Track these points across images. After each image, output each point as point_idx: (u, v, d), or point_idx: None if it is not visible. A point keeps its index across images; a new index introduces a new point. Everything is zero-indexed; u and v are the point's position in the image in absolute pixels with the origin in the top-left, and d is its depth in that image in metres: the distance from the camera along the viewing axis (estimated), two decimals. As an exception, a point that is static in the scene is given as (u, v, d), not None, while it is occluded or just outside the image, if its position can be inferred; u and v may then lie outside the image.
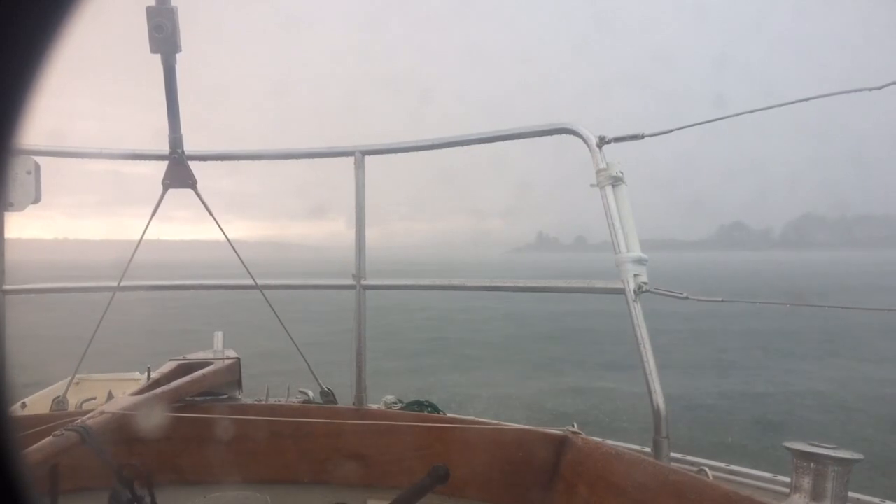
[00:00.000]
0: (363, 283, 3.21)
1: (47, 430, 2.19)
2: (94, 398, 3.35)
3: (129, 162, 3.42)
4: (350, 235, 3.24)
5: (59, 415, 2.96)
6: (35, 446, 2.07)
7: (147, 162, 3.23)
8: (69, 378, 3.48)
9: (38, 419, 2.71)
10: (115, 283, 3.29)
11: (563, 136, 2.71)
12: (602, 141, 2.61)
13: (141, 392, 2.85)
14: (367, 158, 3.20)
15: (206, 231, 3.36)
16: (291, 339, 3.44)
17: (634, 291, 2.48)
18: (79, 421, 2.30)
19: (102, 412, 2.45)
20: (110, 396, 3.26)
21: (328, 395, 3.30)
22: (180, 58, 2.91)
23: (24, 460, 1.77)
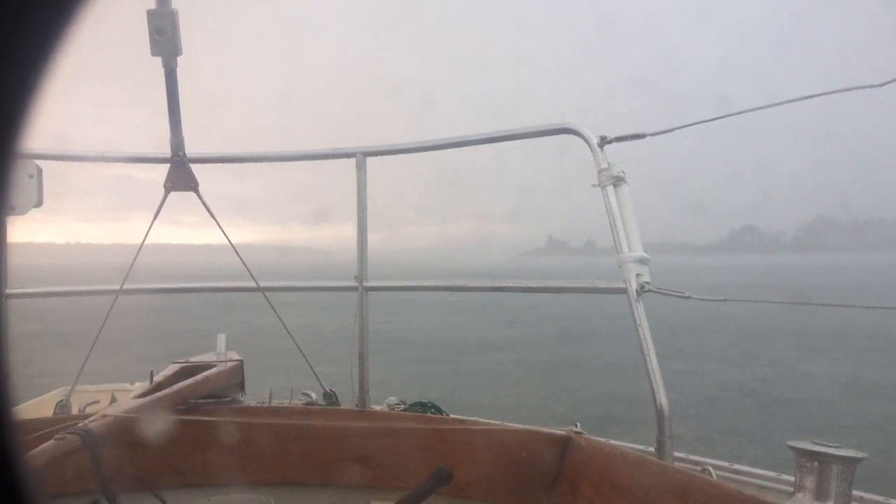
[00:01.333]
0: (365, 284, 3.21)
1: (51, 434, 2.19)
2: (98, 401, 3.35)
3: (140, 167, 3.42)
4: (371, 238, 3.24)
5: (62, 418, 2.96)
6: (37, 449, 2.07)
7: (158, 167, 3.23)
8: (73, 382, 3.48)
9: (41, 423, 2.71)
10: (117, 287, 3.30)
11: (567, 137, 2.71)
12: (603, 141, 2.60)
13: (144, 395, 2.85)
14: (373, 162, 3.20)
15: (215, 235, 3.38)
16: (294, 340, 3.45)
17: (636, 291, 2.47)
18: (81, 424, 2.31)
19: (105, 415, 2.45)
20: (113, 400, 3.27)
21: (331, 397, 3.30)
22: (181, 61, 2.91)
23: (27, 464, 1.78)
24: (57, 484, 2.20)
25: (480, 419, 3.05)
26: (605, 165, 2.58)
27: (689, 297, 2.49)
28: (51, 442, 2.13)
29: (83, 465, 2.22)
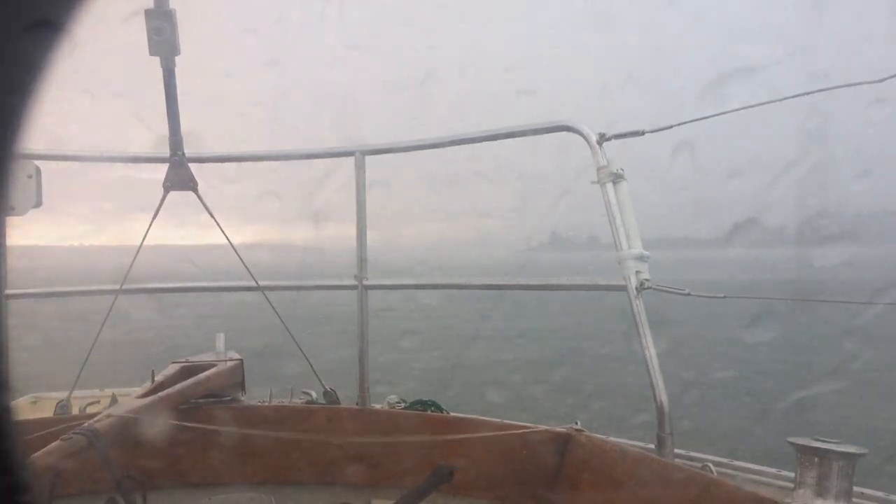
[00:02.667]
0: (365, 283, 3.21)
1: (55, 434, 2.19)
2: (98, 402, 3.36)
3: (145, 167, 3.41)
4: (370, 237, 3.24)
5: (64, 418, 2.96)
6: (44, 450, 2.08)
7: (163, 167, 3.22)
8: (73, 384, 3.48)
9: (42, 423, 2.71)
10: (116, 287, 3.29)
11: (566, 134, 2.71)
12: (602, 138, 2.60)
13: (145, 395, 2.85)
14: (374, 162, 3.19)
15: (219, 235, 3.37)
16: (294, 339, 3.44)
17: (636, 288, 2.48)
18: (86, 424, 2.31)
19: (109, 415, 2.45)
20: (114, 400, 3.27)
21: (331, 396, 3.30)
22: (179, 60, 2.90)
23: (32, 464, 1.78)
24: (57, 483, 2.20)
25: (481, 417, 3.05)
26: (603, 163, 2.59)
27: (688, 294, 2.49)
28: (57, 442, 2.13)
29: (83, 465, 2.22)
